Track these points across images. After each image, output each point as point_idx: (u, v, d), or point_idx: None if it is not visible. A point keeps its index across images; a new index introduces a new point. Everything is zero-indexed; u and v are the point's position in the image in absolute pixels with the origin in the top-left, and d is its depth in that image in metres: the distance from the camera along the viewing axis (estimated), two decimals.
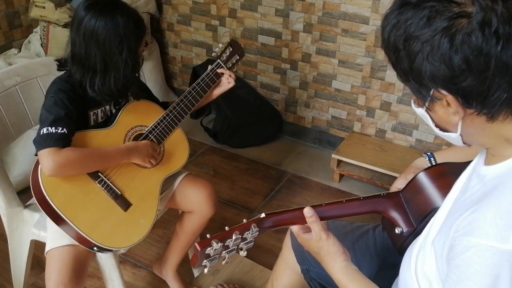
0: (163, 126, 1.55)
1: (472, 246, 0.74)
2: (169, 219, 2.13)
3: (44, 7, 2.59)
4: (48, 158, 1.27)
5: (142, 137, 1.51)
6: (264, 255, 2.11)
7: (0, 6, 2.73)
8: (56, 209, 1.31)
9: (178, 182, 1.60)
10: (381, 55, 2.47)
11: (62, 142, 1.30)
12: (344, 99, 2.70)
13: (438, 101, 0.78)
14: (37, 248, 1.69)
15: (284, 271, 1.37)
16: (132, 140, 1.49)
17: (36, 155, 1.32)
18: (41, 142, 1.29)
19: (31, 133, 1.73)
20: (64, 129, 1.31)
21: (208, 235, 0.93)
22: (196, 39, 3.06)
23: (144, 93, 1.61)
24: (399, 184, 1.21)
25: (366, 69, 2.55)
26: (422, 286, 0.93)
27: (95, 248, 1.38)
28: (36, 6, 2.63)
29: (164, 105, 1.67)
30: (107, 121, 1.51)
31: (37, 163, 1.34)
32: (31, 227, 1.60)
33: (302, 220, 1.03)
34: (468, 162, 0.98)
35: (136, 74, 1.51)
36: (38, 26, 2.73)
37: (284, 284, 1.37)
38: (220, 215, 2.31)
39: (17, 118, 1.64)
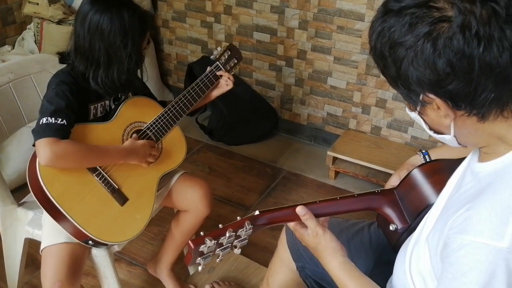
0: (161, 123, 1.55)
1: (466, 244, 0.74)
2: (164, 217, 2.12)
3: (37, 4, 2.57)
4: (46, 148, 1.27)
5: (140, 133, 1.51)
6: (260, 253, 2.11)
7: None
8: (52, 199, 1.31)
9: (174, 181, 1.60)
10: None
11: (61, 133, 1.30)
12: (340, 96, 2.70)
13: (429, 105, 0.79)
14: (32, 246, 1.68)
15: (279, 268, 1.37)
16: (131, 135, 1.49)
17: (34, 145, 1.32)
18: (39, 132, 1.29)
19: (25, 131, 1.72)
20: (64, 121, 1.31)
21: (201, 233, 0.92)
22: (191, 36, 3.05)
23: (144, 90, 1.61)
24: (393, 182, 1.21)
25: (362, 66, 2.54)
26: (416, 283, 0.93)
27: (90, 242, 1.37)
28: (29, 2, 2.61)
29: (161, 104, 1.66)
30: (106, 116, 1.51)
31: (34, 155, 1.34)
32: (25, 225, 1.59)
33: (296, 217, 1.03)
34: (462, 159, 0.98)
35: (140, 67, 1.52)
36: (32, 23, 2.71)
37: (279, 281, 1.37)
38: (216, 212, 2.31)
39: (10, 116, 1.63)
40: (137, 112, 1.54)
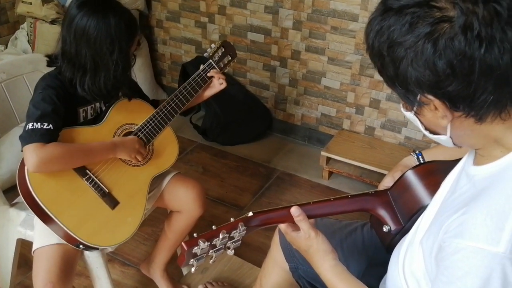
0: (152, 124, 1.54)
1: (462, 248, 0.74)
2: (157, 217, 2.12)
3: (30, 3, 2.56)
4: (32, 154, 1.26)
5: (131, 135, 1.50)
6: (253, 253, 2.11)
7: None
8: (42, 205, 1.30)
9: (166, 181, 1.59)
10: None
11: (48, 137, 1.29)
12: (333, 97, 2.70)
13: (426, 106, 0.78)
14: (24, 247, 1.67)
15: (272, 269, 1.37)
16: (121, 136, 1.48)
17: (22, 150, 1.31)
18: (26, 138, 1.28)
19: (18, 131, 1.70)
20: (50, 125, 1.30)
21: (195, 234, 0.92)
22: (185, 36, 3.04)
23: (136, 93, 1.59)
24: (387, 182, 1.21)
25: (355, 67, 2.55)
26: (409, 284, 0.94)
27: (81, 246, 1.37)
28: (22, 2, 2.60)
29: (154, 103, 1.66)
30: (97, 118, 1.49)
31: (22, 163, 1.33)
32: (17, 226, 1.58)
33: (290, 219, 1.02)
34: (456, 161, 0.98)
35: (128, 73, 1.49)
36: (25, 23, 2.70)
37: (272, 282, 1.37)
38: (209, 213, 2.31)
39: (3, 116, 1.62)
40: (128, 114, 1.52)
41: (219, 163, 2.74)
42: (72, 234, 1.31)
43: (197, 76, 1.65)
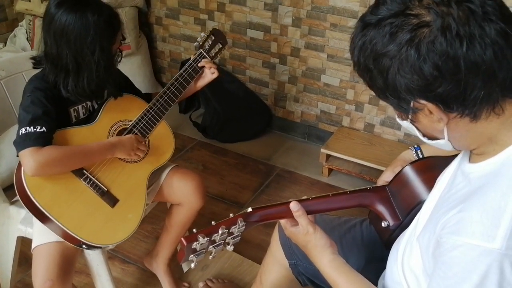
0: (147, 119, 1.53)
1: (459, 245, 0.75)
2: (158, 215, 2.12)
3: (29, 1, 2.56)
4: (30, 159, 1.25)
5: (126, 131, 1.49)
6: (253, 250, 2.11)
7: None
8: (41, 208, 1.29)
9: (165, 175, 1.59)
10: None
11: (42, 141, 1.28)
12: (333, 94, 2.70)
13: (420, 111, 0.79)
14: (24, 245, 1.67)
15: (272, 265, 1.37)
16: (116, 135, 1.48)
17: (17, 156, 1.30)
18: (20, 143, 1.27)
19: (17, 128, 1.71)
20: (43, 128, 1.29)
21: (194, 230, 0.93)
22: (185, 33, 3.04)
23: (125, 89, 1.57)
24: (386, 177, 1.21)
25: None
26: (408, 280, 0.94)
27: (83, 246, 1.37)
28: None
29: (147, 96, 1.65)
30: (90, 117, 1.49)
31: (20, 164, 1.33)
32: (17, 223, 1.59)
33: (289, 214, 1.03)
34: (454, 156, 0.98)
35: (115, 69, 1.48)
36: (24, 20, 2.70)
37: (272, 278, 1.37)
38: (209, 210, 2.31)
39: (2, 113, 1.62)
40: (121, 110, 1.51)
41: (219, 161, 2.75)
42: (74, 235, 1.31)
43: (188, 67, 1.62)
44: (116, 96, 1.50)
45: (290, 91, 2.84)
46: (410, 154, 1.26)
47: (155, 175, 1.55)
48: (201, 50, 1.66)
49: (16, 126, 1.67)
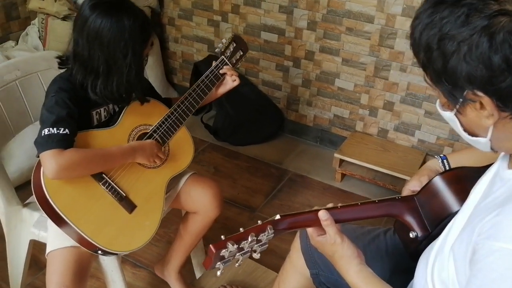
0: (167, 125, 1.51)
1: (495, 250, 0.71)
2: (170, 218, 2.08)
3: None
4: (51, 161, 1.22)
5: (146, 136, 1.47)
6: (267, 256, 2.07)
7: None
8: (59, 212, 1.27)
9: (183, 182, 1.57)
10: (385, 54, 2.44)
11: (65, 143, 1.25)
12: (347, 98, 2.67)
13: (471, 104, 0.75)
14: (35, 248, 1.65)
15: (292, 274, 1.34)
16: (136, 140, 1.45)
17: (37, 156, 1.28)
18: (43, 144, 1.24)
19: (29, 129, 1.69)
20: (66, 130, 1.26)
21: (222, 236, 0.90)
22: (198, 34, 3.01)
23: (148, 94, 1.55)
24: (411, 186, 1.18)
25: (370, 68, 2.52)
26: None
27: (99, 252, 1.34)
28: None
29: (167, 101, 1.63)
30: (111, 120, 1.46)
31: (39, 164, 1.30)
32: (30, 227, 1.56)
33: (316, 223, 1.00)
34: (485, 167, 0.95)
35: (141, 76, 1.46)
36: (36, 18, 2.68)
37: None
38: (222, 214, 2.22)
39: (17, 114, 1.60)
40: (142, 115, 1.49)
41: (230, 164, 2.72)
42: (91, 241, 1.29)
43: (209, 73, 1.61)
44: (143, 101, 1.48)
45: (303, 95, 2.81)
46: (436, 164, 1.23)
47: (172, 182, 1.53)
48: (223, 56, 1.64)
49: (31, 127, 1.66)
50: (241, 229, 0.93)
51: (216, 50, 1.68)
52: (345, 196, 2.50)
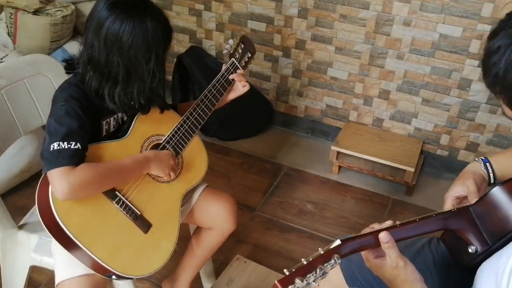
0: (180, 134, 1.38)
1: None
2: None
3: None
4: (62, 180, 1.08)
5: (160, 147, 1.34)
6: (273, 258, 2.01)
7: None
8: (71, 236, 1.13)
9: (197, 196, 1.45)
10: (381, 42, 2.37)
11: (76, 159, 1.12)
12: (340, 88, 2.59)
13: None
14: (33, 270, 1.50)
15: None
16: (149, 149, 1.32)
17: (43, 173, 1.13)
18: (51, 160, 1.10)
19: None
20: (78, 144, 1.12)
21: (285, 270, 0.81)
22: (178, 24, 2.84)
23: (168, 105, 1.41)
24: (456, 192, 1.12)
25: (365, 56, 2.44)
26: None
27: (113, 277, 1.22)
28: None
29: (173, 107, 1.50)
30: (119, 130, 1.33)
31: (44, 182, 1.15)
32: (28, 251, 1.41)
33: (376, 244, 0.92)
34: None
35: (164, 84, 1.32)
36: (3, 13, 2.44)
37: None
38: None
39: (4, 128, 1.43)
40: (153, 124, 1.36)
41: (222, 161, 2.60)
42: (106, 266, 1.16)
43: (221, 77, 1.50)
44: (163, 109, 1.35)
45: (294, 85, 2.71)
46: (477, 167, 1.17)
47: (185, 196, 1.40)
48: (233, 59, 1.53)
49: (21, 139, 1.50)
50: (303, 260, 0.84)
51: (224, 52, 1.58)
52: (344, 189, 2.45)
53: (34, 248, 1.40)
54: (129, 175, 1.23)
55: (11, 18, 2.36)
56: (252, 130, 2.80)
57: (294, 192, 2.42)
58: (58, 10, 2.43)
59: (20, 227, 1.45)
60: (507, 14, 0.73)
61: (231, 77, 1.50)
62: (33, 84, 1.51)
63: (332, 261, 0.85)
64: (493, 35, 0.76)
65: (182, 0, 2.74)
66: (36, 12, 2.36)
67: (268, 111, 2.83)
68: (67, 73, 1.26)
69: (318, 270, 0.82)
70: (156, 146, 1.35)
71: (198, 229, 1.53)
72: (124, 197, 1.23)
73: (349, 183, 2.49)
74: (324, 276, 0.87)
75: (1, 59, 2.27)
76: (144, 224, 1.26)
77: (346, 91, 2.59)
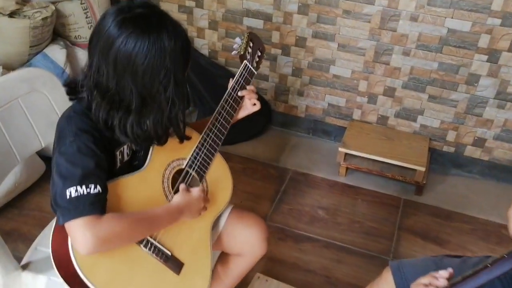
0: (202, 155, 1.24)
1: None
2: None
3: None
4: (86, 233, 0.92)
5: (182, 175, 1.19)
6: (290, 272, 1.90)
7: None
8: None
9: (224, 221, 1.31)
10: (386, 38, 2.26)
11: (99, 205, 0.95)
12: (343, 86, 2.48)
13: None
14: None
15: None
16: (171, 179, 1.17)
17: (60, 224, 0.96)
18: (70, 210, 0.93)
19: None
20: (98, 187, 0.96)
21: None
22: None
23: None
24: None
25: (369, 53, 2.34)
26: None
27: None
28: None
29: None
30: (134, 158, 1.17)
31: (60, 233, 1.00)
32: None
33: None
34: None
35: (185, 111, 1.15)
36: None
37: None
38: None
39: (0, 156, 1.25)
40: (171, 148, 1.18)
41: None
42: None
43: (235, 84, 1.35)
44: (182, 139, 1.17)
45: (294, 84, 2.59)
46: None
47: None
48: (245, 61, 1.38)
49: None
50: None
51: (233, 53, 1.42)
52: (353, 191, 2.35)
53: None
54: (160, 226, 1.09)
55: None
56: (250, 132, 2.67)
57: (303, 198, 2.30)
58: (37, 12, 2.21)
59: (24, 267, 1.28)
60: None
61: (240, 94, 1.34)
62: (28, 103, 1.33)
63: None
64: None
65: None
66: (12, 14, 2.14)
67: (266, 112, 2.69)
68: (70, 99, 1.08)
69: None
70: (179, 172, 1.20)
71: (225, 256, 1.40)
72: (152, 238, 1.08)
73: (357, 185, 2.39)
74: None
75: None
76: (176, 265, 1.11)
77: (349, 89, 2.48)
